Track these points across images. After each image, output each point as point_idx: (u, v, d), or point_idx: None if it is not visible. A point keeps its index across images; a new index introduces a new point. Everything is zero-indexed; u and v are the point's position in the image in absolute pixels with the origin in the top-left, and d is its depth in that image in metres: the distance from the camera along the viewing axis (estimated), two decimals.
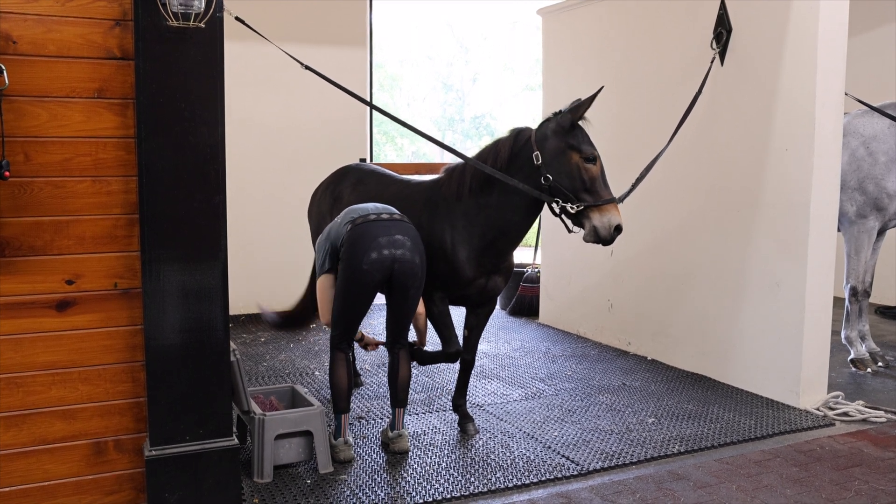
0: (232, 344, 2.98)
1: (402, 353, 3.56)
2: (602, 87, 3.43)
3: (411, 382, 4.71)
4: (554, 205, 3.39)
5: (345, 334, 3.46)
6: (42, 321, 2.64)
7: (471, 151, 3.89)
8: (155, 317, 2.69)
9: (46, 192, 2.61)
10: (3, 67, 2.45)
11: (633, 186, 3.81)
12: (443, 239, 3.56)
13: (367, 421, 4.05)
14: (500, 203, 3.50)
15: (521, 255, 10.15)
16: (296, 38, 6.72)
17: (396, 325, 3.51)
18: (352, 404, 4.29)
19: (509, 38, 22.56)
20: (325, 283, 3.46)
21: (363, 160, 6.85)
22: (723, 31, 4.60)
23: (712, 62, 4.63)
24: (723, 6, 4.61)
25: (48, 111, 2.58)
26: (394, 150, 19.89)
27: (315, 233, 4.36)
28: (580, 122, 3.42)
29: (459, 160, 3.69)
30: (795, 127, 4.22)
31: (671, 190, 5.11)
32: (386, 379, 4.81)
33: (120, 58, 2.65)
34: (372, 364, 5.19)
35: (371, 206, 3.47)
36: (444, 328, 3.66)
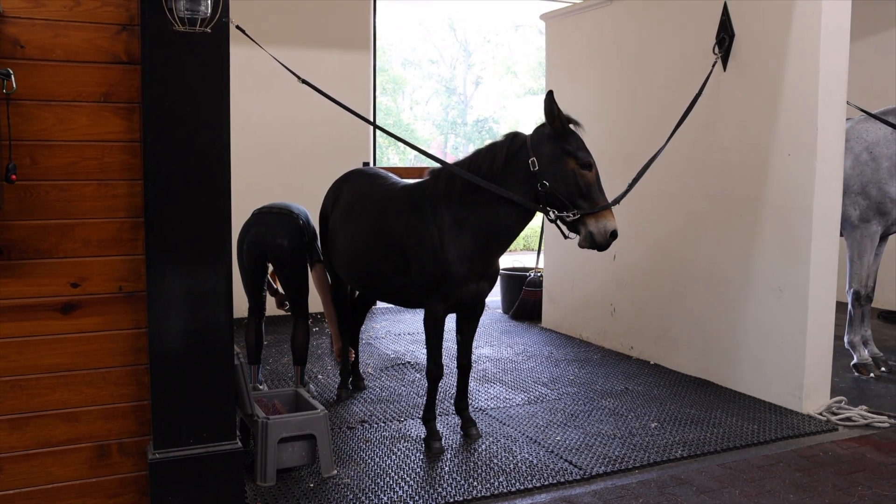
0: (235, 347, 2.98)
1: (299, 321, 4.31)
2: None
3: (412, 385, 4.74)
4: (551, 213, 3.39)
5: (252, 302, 4.37)
6: (47, 324, 2.65)
7: None
8: (159, 320, 2.69)
9: (52, 196, 2.62)
10: (11, 71, 2.46)
11: (628, 189, 3.81)
12: (431, 240, 3.54)
13: (369, 424, 4.05)
14: (492, 207, 3.49)
15: (524, 259, 10.17)
16: (300, 43, 6.74)
17: (288, 297, 4.32)
18: (355, 408, 4.33)
19: (512, 42, 22.60)
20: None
21: (366, 164, 6.86)
22: (725, 37, 4.61)
23: (713, 66, 4.64)
24: (725, 12, 4.62)
25: (55, 115, 2.59)
26: (397, 153, 19.91)
27: (320, 231, 4.46)
28: (574, 128, 3.42)
29: (446, 163, 3.69)
30: (798, 131, 4.23)
31: (674, 194, 5.11)
32: (388, 383, 4.84)
33: (126, 62, 2.66)
34: (375, 368, 5.20)
35: (273, 203, 4.36)
36: (436, 343, 3.67)
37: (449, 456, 3.63)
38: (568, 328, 6.30)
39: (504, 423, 4.08)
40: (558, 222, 3.41)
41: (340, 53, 7.01)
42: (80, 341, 2.70)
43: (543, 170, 3.37)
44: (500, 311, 7.25)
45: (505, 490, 3.24)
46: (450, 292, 3.57)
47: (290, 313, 4.45)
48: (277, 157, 6.80)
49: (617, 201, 3.55)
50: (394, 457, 3.60)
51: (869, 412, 4.16)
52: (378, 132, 8.07)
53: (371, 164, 7.12)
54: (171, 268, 2.69)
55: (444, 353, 3.88)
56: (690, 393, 4.63)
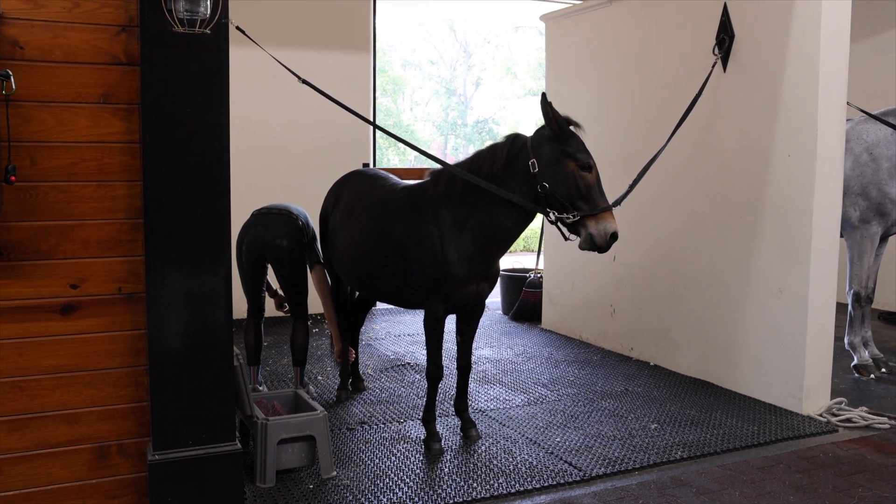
0: (235, 349, 2.98)
1: (299, 323, 4.32)
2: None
3: (412, 386, 4.73)
4: (551, 215, 3.38)
5: (251, 303, 4.37)
6: (46, 325, 2.65)
7: None
8: (158, 321, 2.69)
9: (52, 197, 2.62)
10: (11, 73, 2.46)
11: (628, 191, 3.80)
12: (431, 240, 3.54)
13: (369, 425, 4.05)
14: (492, 208, 3.48)
15: (524, 260, 10.17)
16: (300, 43, 6.74)
17: (287, 298, 4.32)
18: (354, 409, 4.33)
19: (512, 43, 22.60)
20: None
21: (366, 165, 6.86)
22: (725, 38, 4.61)
23: (713, 67, 4.64)
24: (725, 12, 4.62)
25: (54, 116, 2.60)
26: (397, 154, 19.92)
27: (321, 232, 4.46)
28: (574, 130, 3.42)
29: (446, 164, 3.69)
30: (798, 132, 4.23)
31: (674, 196, 5.11)
32: (388, 384, 4.84)
33: (126, 63, 2.66)
34: (375, 369, 5.20)
35: (272, 204, 4.36)
36: (435, 345, 3.67)
37: (448, 457, 3.63)
38: (568, 329, 6.30)
39: (504, 425, 4.08)
40: (559, 224, 3.41)
41: (340, 54, 7.01)
42: (79, 342, 2.70)
43: (543, 171, 3.37)
44: (500, 312, 7.25)
45: (504, 491, 3.24)
46: (450, 293, 3.57)
47: (289, 315, 4.45)
48: (277, 158, 6.81)
49: (617, 203, 3.55)
50: (393, 458, 3.60)
51: (869, 413, 4.15)
52: (378, 133, 8.07)
53: (371, 165, 7.12)
54: (171, 269, 2.69)
55: (443, 355, 3.87)
56: (690, 394, 4.63)
